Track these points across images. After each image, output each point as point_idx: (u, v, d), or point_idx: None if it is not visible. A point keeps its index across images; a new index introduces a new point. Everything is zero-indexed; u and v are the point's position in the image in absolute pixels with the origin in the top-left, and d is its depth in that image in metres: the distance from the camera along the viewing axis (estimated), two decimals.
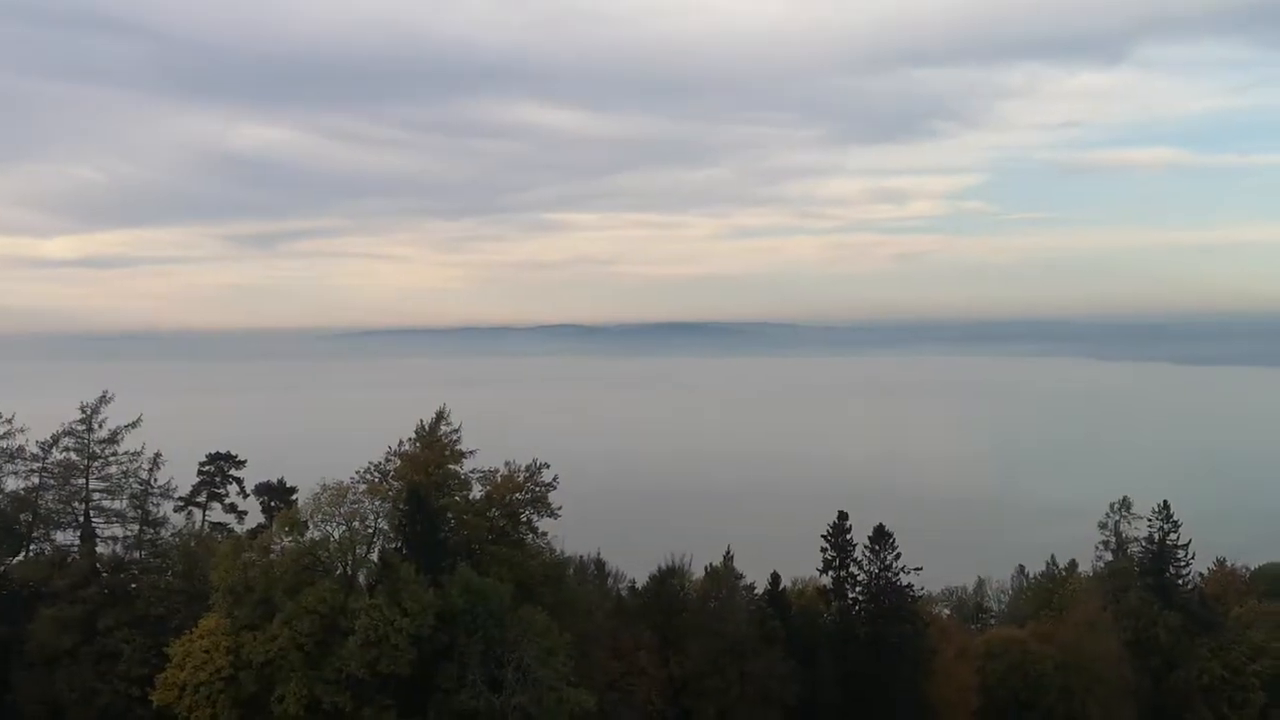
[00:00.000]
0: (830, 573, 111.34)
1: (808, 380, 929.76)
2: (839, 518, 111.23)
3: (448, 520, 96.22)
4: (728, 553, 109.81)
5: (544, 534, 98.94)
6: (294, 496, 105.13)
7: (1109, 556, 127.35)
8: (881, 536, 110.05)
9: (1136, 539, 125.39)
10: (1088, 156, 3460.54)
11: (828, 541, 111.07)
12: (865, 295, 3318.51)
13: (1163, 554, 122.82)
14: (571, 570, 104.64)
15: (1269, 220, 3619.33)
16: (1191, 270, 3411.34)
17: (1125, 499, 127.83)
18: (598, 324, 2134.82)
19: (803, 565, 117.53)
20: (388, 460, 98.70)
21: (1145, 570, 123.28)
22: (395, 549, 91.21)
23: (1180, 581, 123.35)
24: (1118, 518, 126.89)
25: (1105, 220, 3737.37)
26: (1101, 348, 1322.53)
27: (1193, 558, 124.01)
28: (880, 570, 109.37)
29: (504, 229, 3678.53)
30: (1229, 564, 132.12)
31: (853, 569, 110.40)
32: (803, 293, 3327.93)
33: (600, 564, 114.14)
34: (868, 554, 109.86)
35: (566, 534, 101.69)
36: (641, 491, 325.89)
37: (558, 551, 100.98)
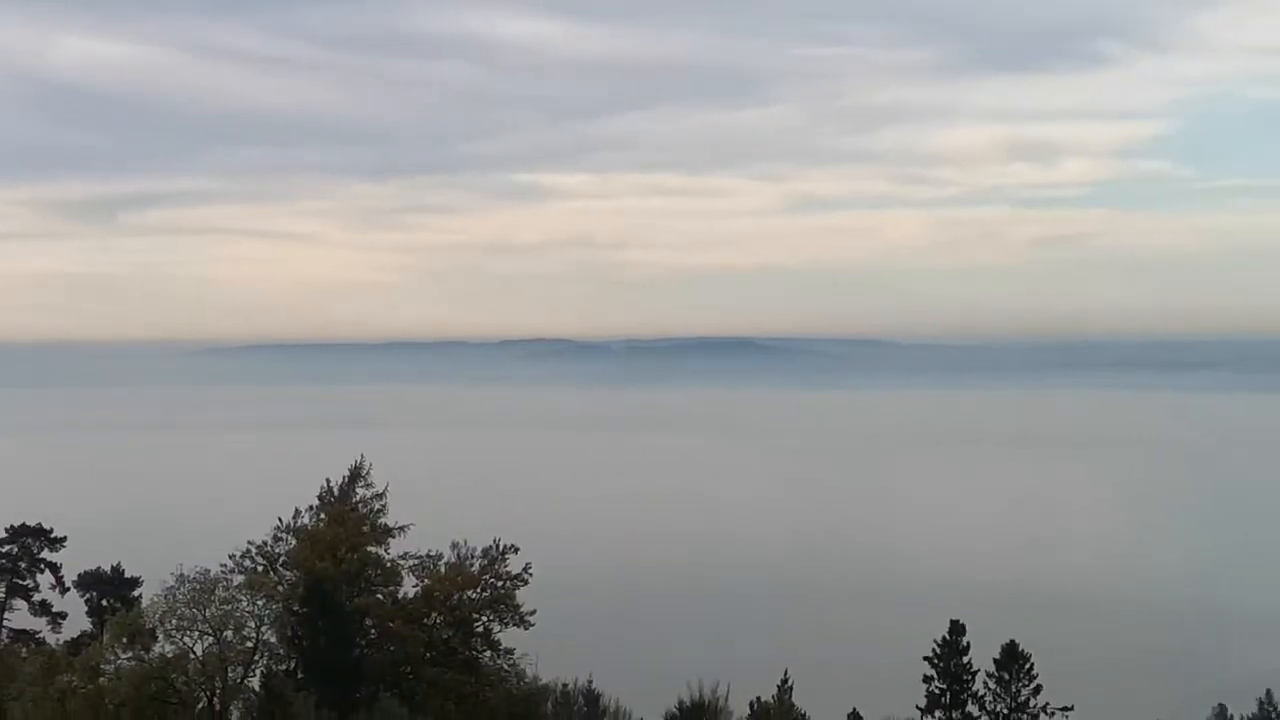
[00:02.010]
0: (938, 712, 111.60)
1: (911, 424, 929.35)
2: (951, 630, 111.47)
3: (366, 629, 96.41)
4: (784, 680, 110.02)
5: (509, 651, 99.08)
6: (136, 592, 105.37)
7: None
8: (1013, 659, 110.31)
9: None
10: None
11: (934, 666, 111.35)
12: (996, 299, 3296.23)
13: None
14: (550, 704, 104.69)
15: None
16: None
17: None
18: (597, 338, 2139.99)
19: (894, 699, 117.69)
20: (277, 539, 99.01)
21: None
22: (286, 671, 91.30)
23: None
24: None
25: None
26: None
27: None
28: (1011, 710, 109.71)
29: (457, 195, 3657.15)
30: None
31: (970, 707, 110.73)
32: (903, 295, 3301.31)
33: (593, 695, 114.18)
34: (992, 685, 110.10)
35: (543, 651, 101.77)
36: (656, 591, 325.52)
37: (530, 677, 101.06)
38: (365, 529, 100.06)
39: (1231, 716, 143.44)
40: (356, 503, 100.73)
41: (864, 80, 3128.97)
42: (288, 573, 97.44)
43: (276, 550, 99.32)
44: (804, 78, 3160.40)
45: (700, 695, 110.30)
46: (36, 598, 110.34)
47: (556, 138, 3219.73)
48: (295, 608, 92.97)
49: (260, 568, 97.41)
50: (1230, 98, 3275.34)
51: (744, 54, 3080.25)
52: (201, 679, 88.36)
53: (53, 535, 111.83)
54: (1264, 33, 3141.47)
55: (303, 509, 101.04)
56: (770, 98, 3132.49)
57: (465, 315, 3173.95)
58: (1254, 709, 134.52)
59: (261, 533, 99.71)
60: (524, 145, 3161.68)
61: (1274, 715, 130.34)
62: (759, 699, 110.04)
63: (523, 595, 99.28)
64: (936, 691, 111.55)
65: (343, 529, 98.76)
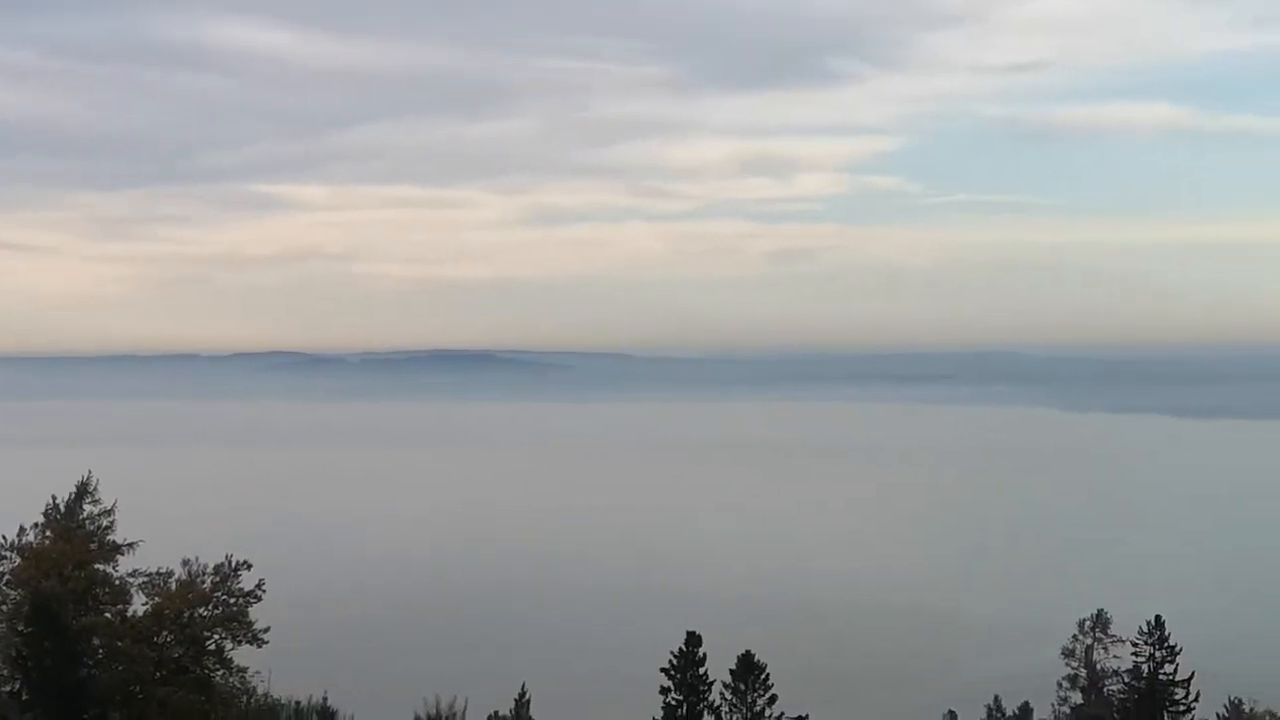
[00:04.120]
0: None
1: (646, 436, 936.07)
2: (687, 642, 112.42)
3: (93, 649, 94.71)
4: (522, 694, 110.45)
5: (242, 670, 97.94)
6: None
7: (1077, 697, 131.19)
8: (749, 670, 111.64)
9: (1117, 672, 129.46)
10: (1054, 115, 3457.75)
11: (670, 677, 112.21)
12: (731, 311, 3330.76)
13: (1154, 693, 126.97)
14: None
15: None
16: (1200, 280, 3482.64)
17: (1100, 614, 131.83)
18: (330, 351, 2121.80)
19: (631, 712, 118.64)
20: (1, 557, 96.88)
21: (1129, 716, 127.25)
22: (10, 693, 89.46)
23: None
24: (1089, 641, 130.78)
25: (1078, 207, 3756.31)
26: (1071, 392, 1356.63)
27: (1197, 699, 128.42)
28: (747, 719, 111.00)
29: (191, 206, 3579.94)
30: (1248, 707, 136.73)
31: (708, 718, 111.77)
32: (642, 307, 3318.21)
33: (328, 712, 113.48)
34: (728, 696, 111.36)
35: (277, 669, 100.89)
36: (390, 605, 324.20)
37: (262, 694, 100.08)
38: (92, 546, 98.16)
39: None
40: (84, 519, 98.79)
41: (605, 94, 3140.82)
42: (11, 592, 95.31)
43: None
44: (545, 90, 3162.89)
45: (437, 709, 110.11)
46: None
47: (293, 149, 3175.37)
48: (19, 627, 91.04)
49: None
50: (960, 115, 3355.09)
51: (485, 66, 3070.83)
52: None
53: None
54: (993, 52, 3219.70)
55: (28, 526, 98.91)
56: (511, 110, 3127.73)
57: (197, 328, 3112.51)
58: (983, 715, 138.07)
59: None
60: (260, 156, 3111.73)
61: (1001, 719, 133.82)
62: (496, 713, 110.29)
63: (256, 612, 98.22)
64: (673, 703, 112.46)
65: (69, 546, 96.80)
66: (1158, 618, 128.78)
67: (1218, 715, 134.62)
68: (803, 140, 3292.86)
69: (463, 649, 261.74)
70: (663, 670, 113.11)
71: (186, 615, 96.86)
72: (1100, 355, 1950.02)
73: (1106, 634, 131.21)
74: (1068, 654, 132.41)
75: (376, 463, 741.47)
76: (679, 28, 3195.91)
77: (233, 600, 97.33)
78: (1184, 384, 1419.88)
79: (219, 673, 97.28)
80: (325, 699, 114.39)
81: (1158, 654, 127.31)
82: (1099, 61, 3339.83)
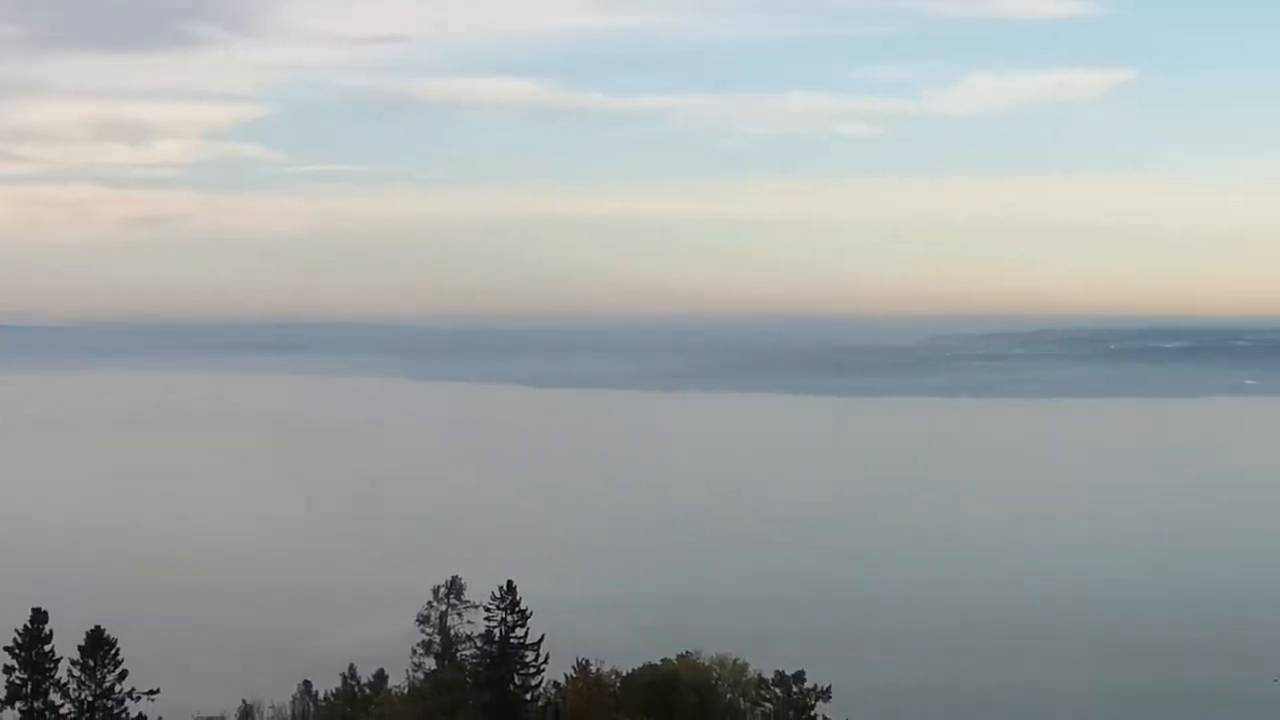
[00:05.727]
0: (19, 704, 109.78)
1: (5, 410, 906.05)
2: (33, 618, 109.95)
3: None
4: None
5: None
6: None
7: (431, 663, 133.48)
8: (98, 646, 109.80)
9: (470, 637, 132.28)
10: (415, 88, 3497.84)
11: (15, 657, 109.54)
12: (88, 279, 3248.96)
13: (505, 657, 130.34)
14: None
15: (645, 184, 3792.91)
16: (555, 254, 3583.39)
17: (455, 581, 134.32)
18: None
19: None
20: None
21: (481, 681, 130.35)
22: None
23: (529, 695, 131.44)
24: (444, 608, 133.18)
25: (435, 180, 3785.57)
26: (426, 362, 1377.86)
27: (546, 660, 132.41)
28: (97, 696, 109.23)
29: None
30: (594, 668, 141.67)
31: (54, 696, 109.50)
32: None
33: None
34: (77, 673, 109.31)
35: None
36: None
37: None
38: None
39: (316, 692, 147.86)
40: None
41: None
42: None
43: None
44: None
45: None
46: None
47: None
48: None
49: None
50: (322, 84, 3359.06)
51: None
52: None
53: None
54: (353, 23, 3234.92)
55: None
56: None
57: None
58: (338, 684, 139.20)
59: None
60: None
61: (357, 688, 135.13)
62: None
63: None
64: (18, 682, 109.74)
65: None
66: (509, 583, 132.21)
67: (565, 676, 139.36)
68: (160, 105, 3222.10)
69: None
70: (6, 649, 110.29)
71: None
72: (457, 327, 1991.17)
73: (461, 600, 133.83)
74: (422, 620, 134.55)
75: None
76: None
77: None
78: (540, 355, 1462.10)
79: None
80: None
81: (509, 618, 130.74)
82: (461, 36, 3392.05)
